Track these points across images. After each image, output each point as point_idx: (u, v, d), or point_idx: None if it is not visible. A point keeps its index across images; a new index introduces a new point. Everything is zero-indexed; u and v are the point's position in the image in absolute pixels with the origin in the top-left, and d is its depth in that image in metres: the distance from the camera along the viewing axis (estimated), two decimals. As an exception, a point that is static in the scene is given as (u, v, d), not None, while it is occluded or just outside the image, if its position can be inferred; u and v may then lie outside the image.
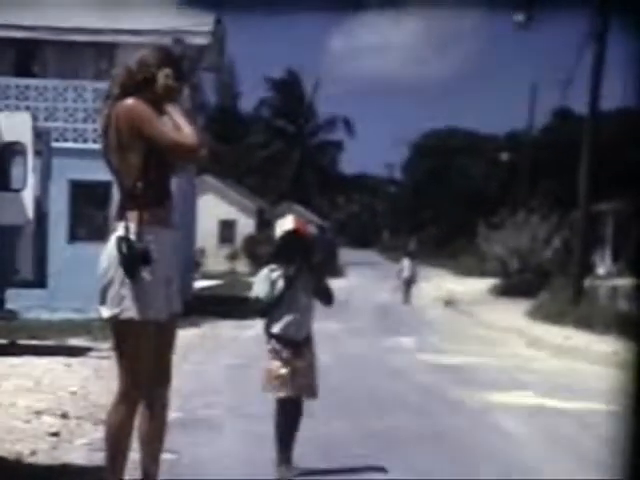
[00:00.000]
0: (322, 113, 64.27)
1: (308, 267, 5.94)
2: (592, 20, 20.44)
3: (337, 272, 42.48)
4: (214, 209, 43.87)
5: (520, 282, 31.30)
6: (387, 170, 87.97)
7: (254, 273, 40.76)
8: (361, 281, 38.90)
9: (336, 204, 71.23)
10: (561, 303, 21.71)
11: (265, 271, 5.97)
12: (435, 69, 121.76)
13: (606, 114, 27.78)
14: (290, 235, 5.92)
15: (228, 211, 46.27)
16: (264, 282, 5.91)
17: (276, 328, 5.92)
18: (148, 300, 4.39)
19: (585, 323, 18.31)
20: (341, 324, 18.36)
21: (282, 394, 5.92)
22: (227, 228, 46.04)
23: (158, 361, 4.55)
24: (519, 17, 23.69)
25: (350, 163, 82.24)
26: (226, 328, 17.57)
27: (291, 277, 5.86)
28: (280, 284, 5.87)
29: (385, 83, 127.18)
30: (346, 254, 53.80)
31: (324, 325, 17.47)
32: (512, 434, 7.82)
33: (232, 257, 44.70)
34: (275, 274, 5.90)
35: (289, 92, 63.39)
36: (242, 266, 43.18)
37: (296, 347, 5.93)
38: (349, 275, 43.47)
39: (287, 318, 5.90)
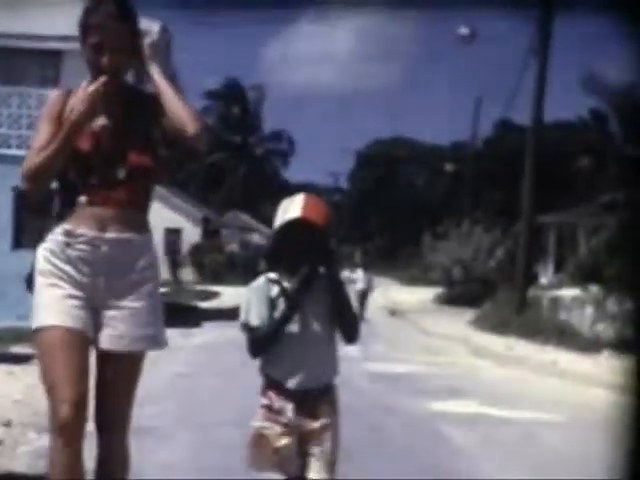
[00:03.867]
0: (266, 122, 64.44)
1: (325, 278, 3.74)
2: (534, 35, 20.77)
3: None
4: (159, 217, 43.66)
5: (464, 292, 31.63)
6: (332, 179, 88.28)
7: (200, 281, 40.30)
8: (307, 290, 38.88)
9: (282, 213, 71.25)
10: (504, 313, 21.97)
11: (259, 284, 3.78)
12: (378, 79, 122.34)
13: (548, 126, 28.18)
14: (297, 226, 3.70)
15: (174, 219, 46.09)
16: (258, 301, 3.73)
17: (276, 372, 3.78)
18: (55, 309, 3.70)
19: (528, 333, 18.56)
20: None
21: (282, 477, 3.72)
22: (173, 236, 45.87)
23: (109, 400, 3.82)
24: (464, 31, 24.00)
25: (296, 172, 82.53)
26: (172, 337, 17.49)
27: (298, 293, 3.69)
28: (282, 304, 3.72)
29: (326, 92, 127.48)
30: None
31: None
32: (453, 442, 7.93)
33: (178, 265, 44.53)
34: (275, 289, 3.74)
35: (232, 102, 63.39)
36: (188, 274, 43.03)
37: (308, 403, 3.78)
38: (295, 284, 43.44)
39: (293, 356, 3.73)
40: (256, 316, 3.73)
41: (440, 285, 34.83)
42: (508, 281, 25.56)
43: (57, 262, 3.75)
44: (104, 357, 3.82)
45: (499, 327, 20.37)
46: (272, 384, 3.82)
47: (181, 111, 3.75)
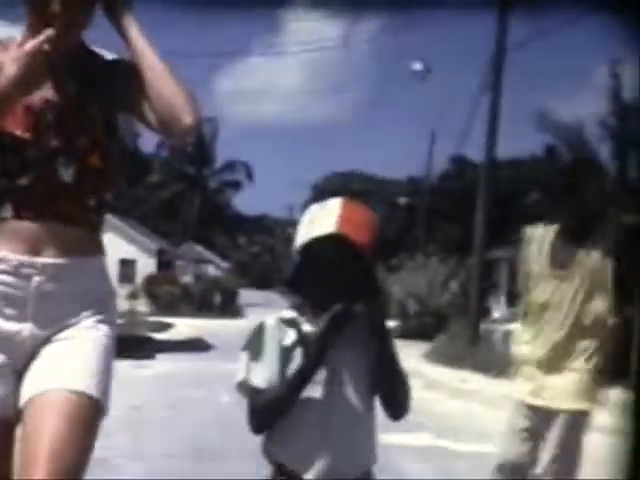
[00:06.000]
0: (220, 155, 64.62)
1: (365, 320, 2.57)
2: (487, 71, 21.06)
3: (236, 313, 42.41)
4: (114, 248, 43.42)
5: (418, 325, 31.73)
6: (287, 211, 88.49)
7: (154, 313, 40.14)
8: (261, 322, 38.89)
9: (237, 245, 71.26)
10: (458, 346, 22.08)
11: (269, 325, 2.64)
12: (331, 112, 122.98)
13: (501, 162, 28.50)
14: (329, 245, 2.56)
15: (128, 250, 45.86)
16: (266, 351, 2.60)
17: (288, 456, 2.60)
18: None
19: (481, 366, 18.66)
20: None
21: None
22: (127, 267, 45.62)
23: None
24: (417, 66, 24.28)
25: (251, 205, 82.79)
26: (124, 368, 17.39)
27: (325, 341, 2.53)
28: (300, 356, 2.57)
29: (280, 126, 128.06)
30: (246, 295, 53.72)
31: (225, 366, 17.49)
32: (407, 474, 7.95)
33: (132, 297, 44.25)
34: (291, 334, 2.61)
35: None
36: (142, 306, 42.76)
37: None
38: (249, 316, 43.45)
39: (314, 434, 2.56)
40: (262, 373, 2.56)
41: (394, 318, 34.92)
42: (462, 314, 25.71)
43: None
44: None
45: (453, 360, 20.46)
46: (281, 473, 2.59)
47: (174, 94, 2.54)
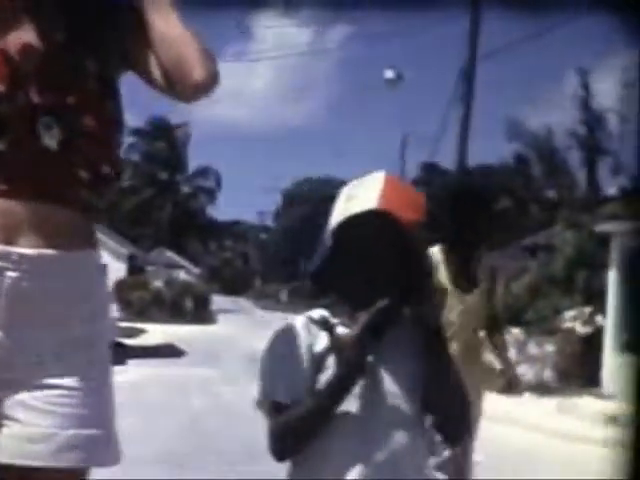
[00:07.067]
0: (193, 160, 64.70)
1: (415, 320, 2.08)
2: (458, 79, 21.26)
3: (208, 319, 42.43)
4: (84, 253, 43.27)
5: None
6: (259, 217, 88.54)
7: (125, 318, 40.08)
8: (232, 328, 38.93)
9: (209, 250, 71.22)
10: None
11: (294, 328, 2.12)
12: (304, 118, 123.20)
13: (472, 169, 28.70)
14: (370, 226, 2.07)
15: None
16: (291, 360, 2.08)
17: None
18: None
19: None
20: (214, 370, 18.39)
21: None
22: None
23: None
24: (389, 73, 24.44)
25: (223, 210, 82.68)
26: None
27: (364, 346, 2.01)
28: (332, 365, 2.05)
29: (252, 132, 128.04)
30: (218, 301, 53.68)
31: (197, 372, 17.53)
32: None
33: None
34: (322, 338, 2.09)
35: (158, 139, 63.42)
36: (113, 311, 42.65)
37: None
38: (220, 322, 43.45)
39: (353, 458, 2.04)
40: (287, 386, 2.04)
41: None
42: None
43: None
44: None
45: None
46: None
47: (185, 43, 2.04)
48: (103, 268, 2.21)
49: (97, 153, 2.05)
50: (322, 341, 2.08)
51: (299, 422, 2.03)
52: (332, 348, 2.04)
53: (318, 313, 2.14)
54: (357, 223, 2.06)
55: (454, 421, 2.11)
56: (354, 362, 2.00)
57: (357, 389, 2.03)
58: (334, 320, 2.10)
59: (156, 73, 2.09)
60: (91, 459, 2.10)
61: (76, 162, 2.02)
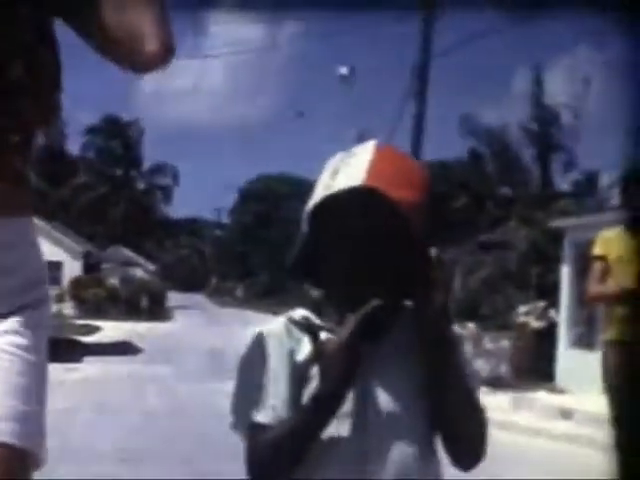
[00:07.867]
0: (149, 157, 64.44)
1: (416, 319, 1.68)
2: (412, 75, 21.37)
3: (164, 316, 42.27)
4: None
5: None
6: (215, 214, 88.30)
7: (81, 316, 39.89)
8: (189, 325, 38.83)
9: (165, 248, 70.93)
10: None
11: (274, 332, 1.76)
12: (258, 115, 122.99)
13: (427, 165, 28.87)
14: (357, 205, 1.68)
15: (54, 252, 45.36)
16: (273, 368, 1.71)
17: None
18: None
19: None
20: (170, 367, 18.34)
21: None
22: (53, 270, 45.14)
23: None
24: (343, 70, 24.51)
25: (179, 207, 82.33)
26: (52, 371, 17.29)
27: (356, 351, 1.64)
28: (317, 374, 1.67)
29: (206, 128, 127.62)
30: (174, 297, 53.49)
31: (152, 369, 17.48)
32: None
33: (58, 299, 43.81)
34: (306, 344, 1.70)
35: (112, 136, 63.12)
36: (68, 309, 42.36)
37: None
38: (176, 318, 43.31)
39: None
40: (266, 403, 1.71)
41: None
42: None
43: None
44: None
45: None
46: None
47: (139, 11, 1.72)
48: (35, 239, 1.98)
49: (28, 111, 1.74)
50: (306, 346, 1.71)
51: (282, 444, 1.67)
52: (315, 357, 1.67)
53: (299, 314, 1.77)
54: (339, 204, 1.70)
55: (468, 441, 1.73)
56: (342, 374, 1.64)
57: (348, 405, 1.68)
58: (318, 322, 1.73)
59: (102, 35, 1.75)
60: (14, 443, 1.81)
61: (4, 121, 1.71)
